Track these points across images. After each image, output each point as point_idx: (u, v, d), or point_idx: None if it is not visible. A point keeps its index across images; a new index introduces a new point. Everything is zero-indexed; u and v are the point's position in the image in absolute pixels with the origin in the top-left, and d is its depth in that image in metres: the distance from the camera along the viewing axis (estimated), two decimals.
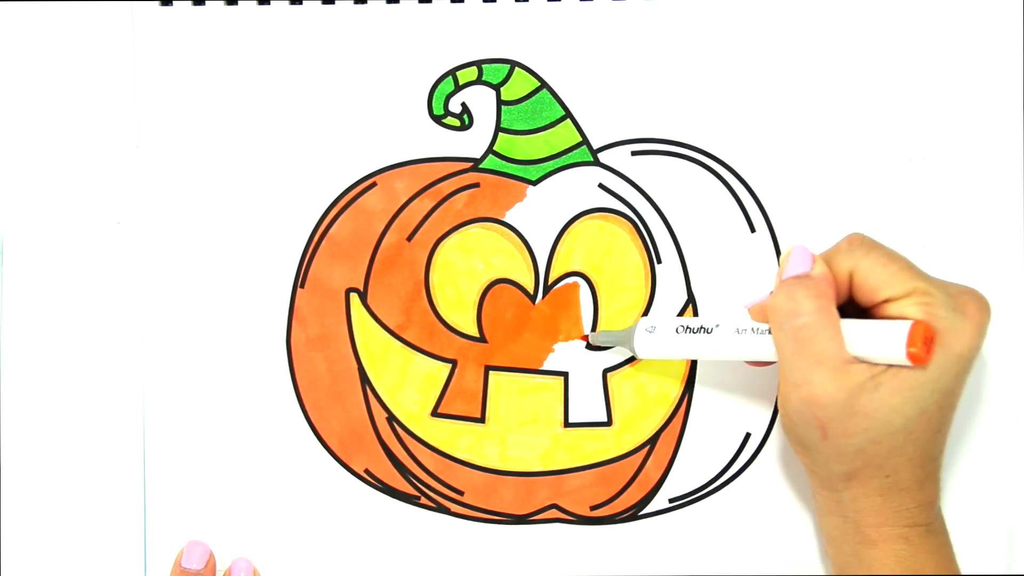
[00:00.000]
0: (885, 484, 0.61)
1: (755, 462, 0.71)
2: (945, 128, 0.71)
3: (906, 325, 0.59)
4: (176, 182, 0.71)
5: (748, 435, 0.71)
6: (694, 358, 0.68)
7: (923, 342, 0.58)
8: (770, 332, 0.63)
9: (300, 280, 0.71)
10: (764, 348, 0.64)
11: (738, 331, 0.64)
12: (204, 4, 0.71)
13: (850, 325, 0.60)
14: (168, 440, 0.71)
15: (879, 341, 0.59)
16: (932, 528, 0.62)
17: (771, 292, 0.63)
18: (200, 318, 0.71)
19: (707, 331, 0.65)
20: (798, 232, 0.71)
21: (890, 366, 0.59)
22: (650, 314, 0.71)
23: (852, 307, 0.63)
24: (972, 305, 0.60)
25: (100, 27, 0.70)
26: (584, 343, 0.71)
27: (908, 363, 0.59)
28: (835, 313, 0.60)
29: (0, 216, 0.70)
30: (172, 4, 0.71)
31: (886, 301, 0.61)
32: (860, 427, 0.59)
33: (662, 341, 0.67)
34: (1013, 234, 0.71)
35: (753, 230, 0.71)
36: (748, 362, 0.67)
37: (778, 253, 0.71)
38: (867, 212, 0.71)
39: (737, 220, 0.71)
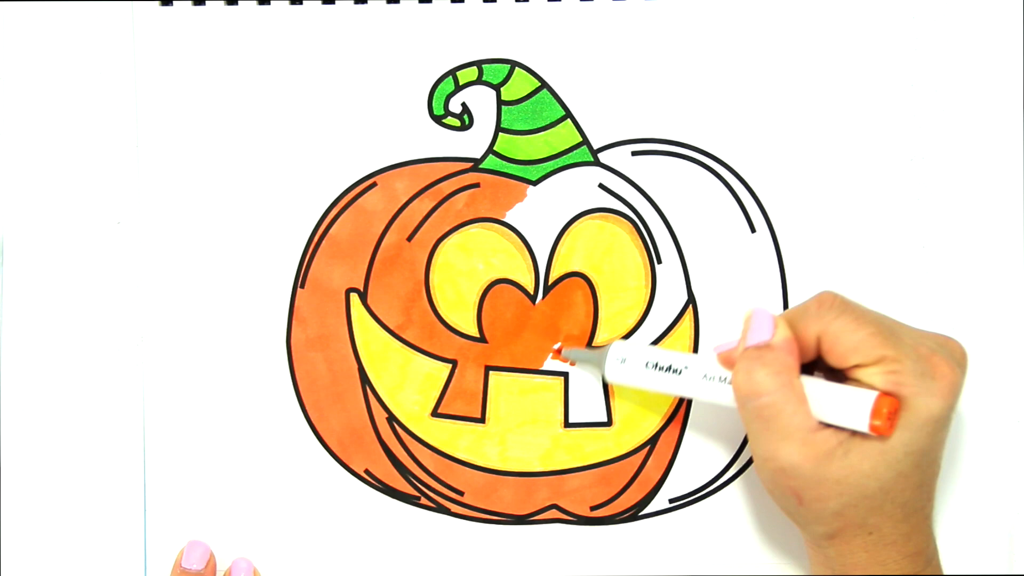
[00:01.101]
0: (869, 541, 0.61)
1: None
2: (945, 128, 0.71)
3: (871, 397, 0.59)
4: (176, 182, 0.71)
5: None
6: (662, 392, 0.68)
7: (887, 416, 0.58)
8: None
9: (300, 280, 0.71)
10: (729, 397, 0.63)
11: (706, 376, 0.64)
12: (204, 4, 0.71)
13: (817, 389, 0.60)
14: (168, 440, 0.71)
15: (844, 410, 0.59)
16: (928, 568, 0.62)
17: (736, 350, 0.62)
18: (200, 318, 0.71)
19: (676, 372, 0.65)
20: (798, 232, 0.71)
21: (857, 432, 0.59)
22: (628, 340, 0.70)
23: (823, 363, 0.62)
24: (943, 366, 0.59)
25: (100, 27, 0.70)
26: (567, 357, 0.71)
27: (870, 432, 0.59)
28: (798, 385, 0.60)
29: (0, 216, 0.70)
30: (172, 4, 0.71)
31: (855, 367, 0.60)
32: (834, 492, 0.59)
33: (632, 372, 0.67)
34: (1013, 234, 0.71)
35: (753, 230, 0.71)
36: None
37: (778, 253, 0.71)
38: (867, 212, 0.71)
39: (737, 220, 0.71)
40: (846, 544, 0.61)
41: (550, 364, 0.71)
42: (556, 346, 0.71)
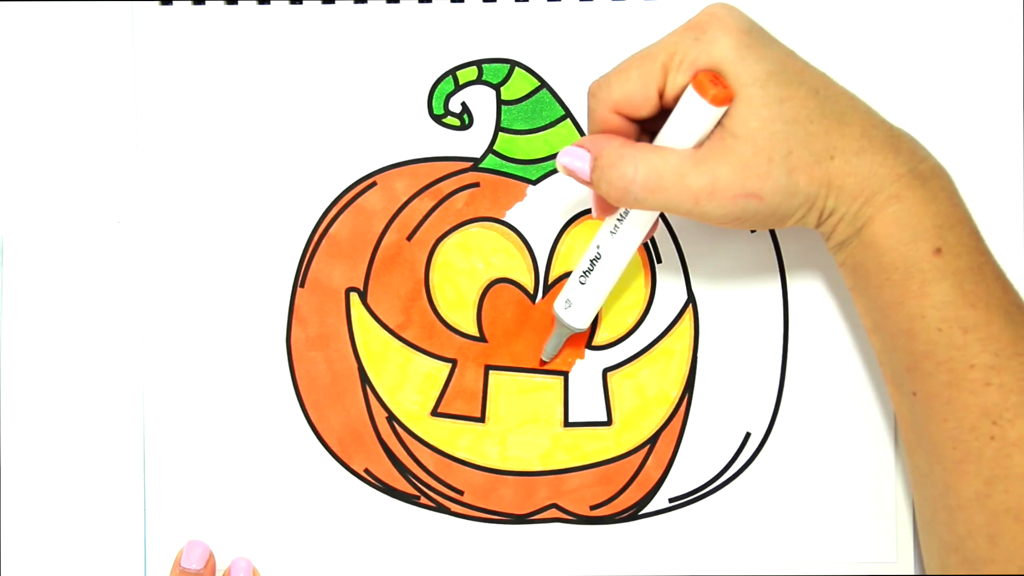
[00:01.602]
0: (843, 155, 0.59)
1: (755, 462, 0.71)
2: (945, 128, 0.71)
3: (689, 93, 0.58)
4: (176, 182, 0.71)
5: (748, 435, 0.71)
6: (611, 285, 0.66)
7: (710, 82, 0.58)
8: (624, 216, 0.63)
9: (300, 280, 0.71)
10: (646, 220, 0.63)
11: (612, 231, 0.64)
12: (204, 4, 0.71)
13: (664, 135, 0.60)
14: (168, 440, 0.71)
15: (686, 118, 0.59)
16: (920, 175, 0.60)
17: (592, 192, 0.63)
18: (200, 318, 0.71)
19: (597, 257, 0.65)
20: (798, 232, 0.71)
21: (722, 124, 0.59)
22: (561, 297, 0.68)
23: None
24: (700, 18, 0.59)
25: (100, 27, 0.70)
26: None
27: (723, 108, 0.58)
28: (643, 145, 0.60)
29: (0, 216, 0.70)
30: (172, 4, 0.71)
31: (660, 97, 0.60)
32: (762, 160, 0.58)
33: (582, 300, 0.66)
34: (1013, 234, 0.71)
35: (753, 230, 0.71)
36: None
37: (778, 253, 0.71)
38: None
39: None
40: (827, 165, 0.59)
41: (550, 364, 0.71)
42: (540, 361, 0.71)
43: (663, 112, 0.61)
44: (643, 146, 0.60)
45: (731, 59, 0.58)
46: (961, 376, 0.58)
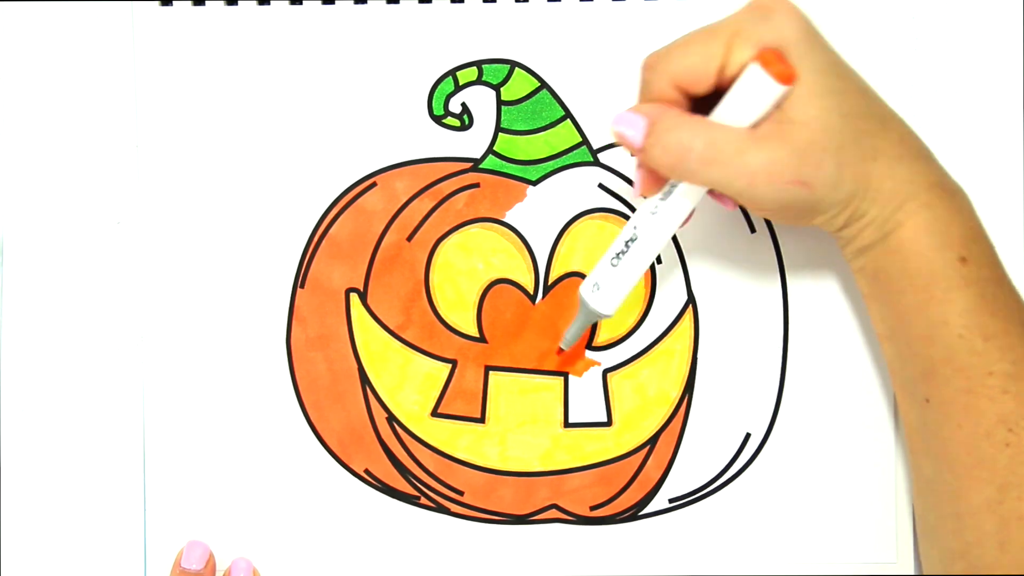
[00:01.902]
0: (884, 158, 0.59)
1: (755, 462, 0.71)
2: (945, 128, 0.71)
3: (754, 67, 0.58)
4: (176, 182, 0.71)
5: (748, 435, 0.71)
6: (645, 268, 0.64)
7: (774, 59, 0.58)
8: (675, 187, 0.62)
9: (300, 280, 0.71)
10: (688, 199, 0.62)
11: (653, 211, 0.63)
12: (204, 4, 0.71)
13: (720, 112, 0.59)
14: (168, 440, 0.71)
15: (747, 94, 0.58)
16: (948, 187, 0.60)
17: (636, 166, 0.62)
18: (200, 318, 0.71)
19: (633, 238, 0.63)
20: (798, 232, 0.71)
21: (779, 105, 0.59)
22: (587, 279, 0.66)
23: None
24: (767, 2, 0.59)
25: (100, 27, 0.70)
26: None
27: (786, 87, 0.58)
28: (701, 117, 0.59)
29: (0, 216, 0.70)
30: (172, 4, 0.71)
31: (719, 74, 0.59)
32: (817, 148, 0.58)
33: (610, 283, 0.64)
34: (1013, 234, 0.71)
35: (753, 230, 0.71)
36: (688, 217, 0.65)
37: (778, 253, 0.71)
38: None
39: (737, 220, 0.71)
40: (867, 174, 0.59)
41: (550, 364, 0.71)
42: (559, 349, 0.70)
43: (716, 93, 0.60)
44: (701, 118, 0.59)
45: (798, 42, 0.58)
46: (979, 383, 0.59)
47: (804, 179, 0.58)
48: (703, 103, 0.61)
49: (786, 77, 0.58)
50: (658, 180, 0.62)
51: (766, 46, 0.58)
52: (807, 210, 0.60)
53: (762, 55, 0.58)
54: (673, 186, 0.62)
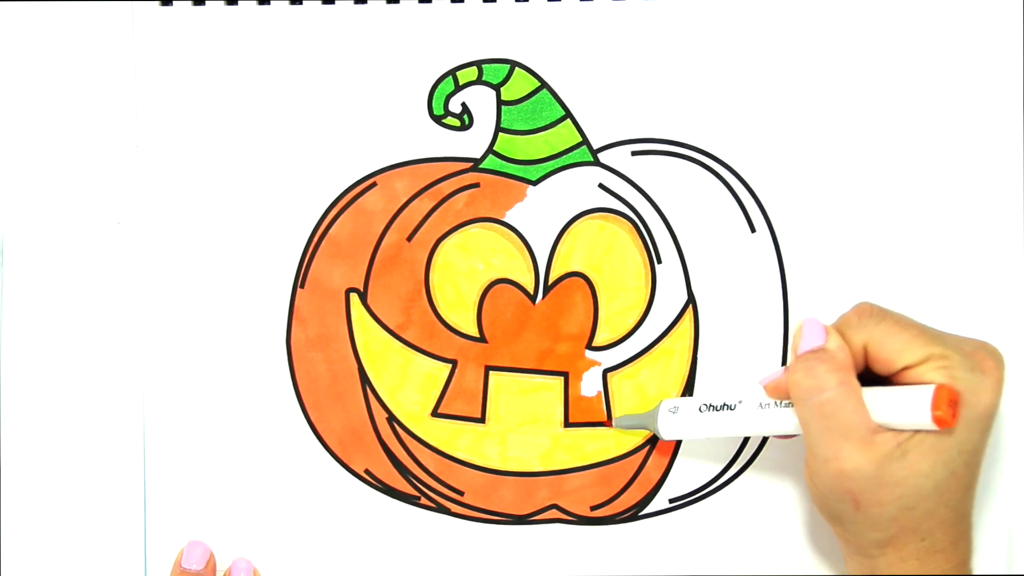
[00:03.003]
0: (921, 548, 0.60)
1: (755, 462, 0.71)
2: (945, 128, 0.71)
3: (929, 390, 0.59)
4: (176, 182, 0.71)
5: (748, 435, 0.71)
6: (719, 436, 0.67)
7: (948, 405, 0.58)
8: (791, 407, 0.63)
9: (300, 280, 0.71)
10: (788, 422, 0.63)
11: (761, 406, 0.64)
12: (204, 4, 0.71)
13: (873, 394, 0.60)
14: (168, 440, 0.71)
15: (904, 408, 0.59)
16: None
17: (787, 368, 0.63)
18: (200, 318, 0.71)
19: (730, 408, 0.65)
20: (798, 232, 0.71)
21: (916, 432, 0.59)
22: (670, 398, 0.70)
23: (868, 376, 0.62)
24: (989, 361, 0.60)
25: (100, 27, 0.70)
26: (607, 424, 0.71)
27: (934, 427, 0.58)
28: (857, 384, 0.60)
29: (0, 216, 0.70)
30: (172, 4, 0.71)
31: (904, 369, 0.60)
32: (892, 495, 0.59)
33: (686, 421, 0.67)
34: (1013, 234, 0.71)
35: (753, 230, 0.71)
36: (775, 436, 0.67)
37: (778, 253, 0.71)
38: (867, 212, 0.71)
39: (737, 220, 0.71)
40: (898, 552, 0.61)
41: (550, 364, 0.71)
42: (610, 423, 0.71)
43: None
44: (855, 390, 0.60)
45: (978, 415, 0.59)
46: None
47: (856, 499, 0.60)
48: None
49: (941, 422, 0.58)
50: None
51: (953, 389, 0.59)
52: (835, 521, 0.62)
53: (945, 392, 0.58)
54: (790, 405, 0.63)
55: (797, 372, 0.61)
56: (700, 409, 0.66)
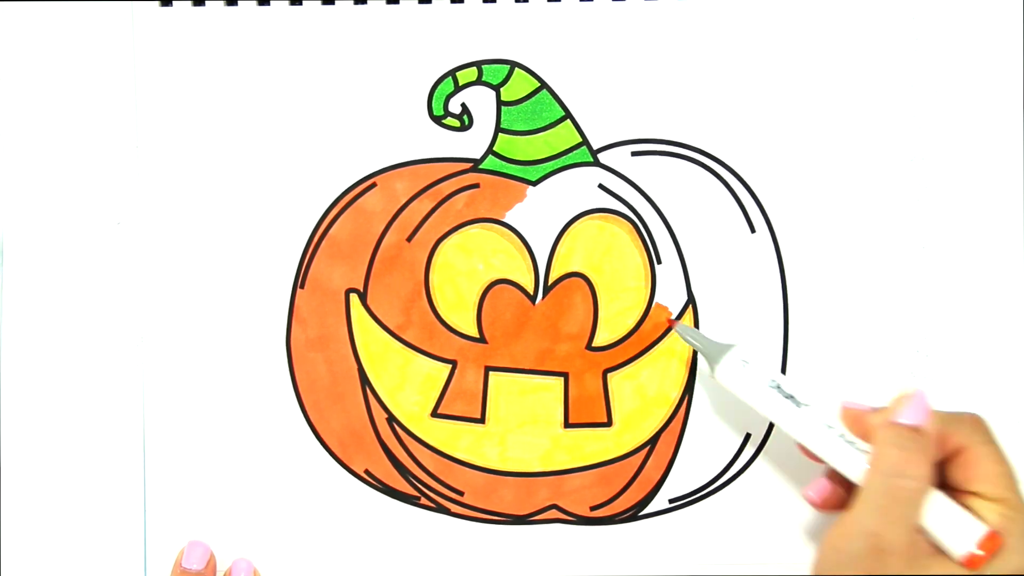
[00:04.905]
0: None
1: (755, 462, 0.71)
2: (945, 128, 0.71)
3: (982, 529, 0.59)
4: (176, 182, 0.71)
5: (748, 435, 0.71)
6: (768, 418, 0.65)
7: (987, 552, 0.58)
8: (855, 448, 0.62)
9: (300, 280, 0.71)
10: (841, 459, 0.62)
11: (828, 427, 0.63)
12: (204, 4, 0.71)
13: (935, 498, 0.60)
14: (168, 440, 0.71)
15: (952, 528, 0.59)
16: None
17: (877, 421, 0.61)
18: (200, 318, 0.71)
19: (796, 403, 0.64)
20: (798, 232, 0.71)
21: (940, 552, 0.59)
22: (750, 345, 0.66)
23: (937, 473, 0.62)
24: None
25: (100, 27, 0.70)
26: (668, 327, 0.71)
27: (961, 559, 0.59)
28: (932, 481, 0.60)
29: (0, 216, 0.70)
30: (172, 4, 0.71)
31: (974, 494, 0.60)
32: None
33: (747, 382, 0.65)
34: (1013, 234, 0.71)
35: (753, 230, 0.71)
36: (813, 493, 0.65)
37: (778, 253, 0.71)
38: (867, 212, 0.71)
39: (737, 220, 0.71)
40: None
41: (550, 364, 0.71)
42: (672, 317, 0.70)
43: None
44: (925, 498, 0.59)
45: (1013, 568, 0.59)
46: None
47: None
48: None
49: (973, 564, 0.58)
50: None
51: (1000, 539, 0.59)
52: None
53: (991, 538, 0.59)
54: (856, 442, 0.62)
55: (890, 444, 0.60)
56: (769, 383, 0.64)
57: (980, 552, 0.58)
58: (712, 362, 0.66)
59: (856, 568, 0.60)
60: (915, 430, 0.60)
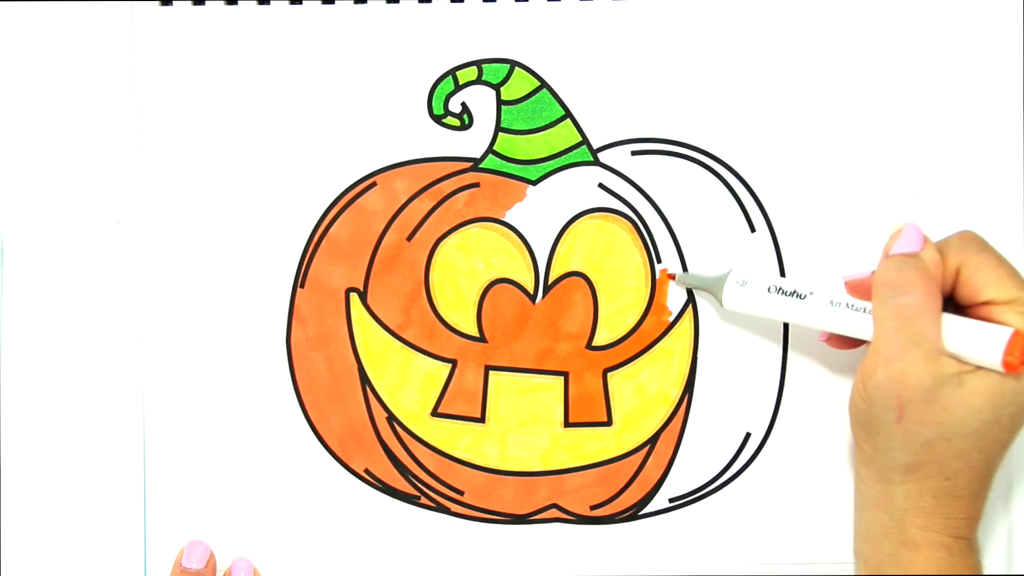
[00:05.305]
0: (942, 487, 0.60)
1: (755, 462, 0.71)
2: (945, 128, 0.71)
3: (1007, 332, 0.59)
4: (176, 182, 0.71)
5: (748, 435, 0.71)
6: (782, 320, 0.67)
7: (1021, 352, 0.58)
8: (864, 311, 0.63)
9: (300, 280, 0.71)
10: (854, 324, 0.63)
11: (832, 303, 0.64)
12: (204, 4, 0.71)
13: (949, 320, 0.60)
14: (168, 440, 0.71)
15: (977, 342, 0.59)
16: (972, 546, 0.62)
17: (875, 269, 0.62)
18: (200, 318, 0.71)
19: (800, 296, 0.65)
20: (798, 232, 0.71)
21: (979, 368, 0.59)
22: (741, 267, 0.69)
23: (947, 303, 0.62)
24: None
25: (100, 27, 0.70)
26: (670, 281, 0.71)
27: (1000, 369, 0.58)
28: (940, 300, 0.60)
29: (0, 216, 0.70)
30: (172, 4, 0.71)
31: (987, 303, 0.60)
32: (936, 418, 0.59)
33: (752, 297, 0.67)
34: (1013, 234, 0.71)
35: (753, 230, 0.71)
36: (825, 338, 0.66)
37: (778, 253, 0.71)
38: (867, 212, 0.71)
39: (737, 220, 0.71)
40: (918, 484, 0.61)
41: (550, 364, 0.71)
42: (668, 272, 0.71)
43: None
44: (935, 310, 0.60)
45: None
46: None
47: (902, 408, 0.60)
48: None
49: (1010, 366, 0.58)
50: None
51: None
52: (868, 435, 0.62)
53: (1021, 338, 0.58)
54: (865, 306, 0.63)
55: (888, 269, 0.61)
56: (769, 289, 0.66)
57: (1011, 356, 0.58)
58: (717, 293, 0.68)
59: (886, 404, 0.60)
60: (909, 255, 0.61)
